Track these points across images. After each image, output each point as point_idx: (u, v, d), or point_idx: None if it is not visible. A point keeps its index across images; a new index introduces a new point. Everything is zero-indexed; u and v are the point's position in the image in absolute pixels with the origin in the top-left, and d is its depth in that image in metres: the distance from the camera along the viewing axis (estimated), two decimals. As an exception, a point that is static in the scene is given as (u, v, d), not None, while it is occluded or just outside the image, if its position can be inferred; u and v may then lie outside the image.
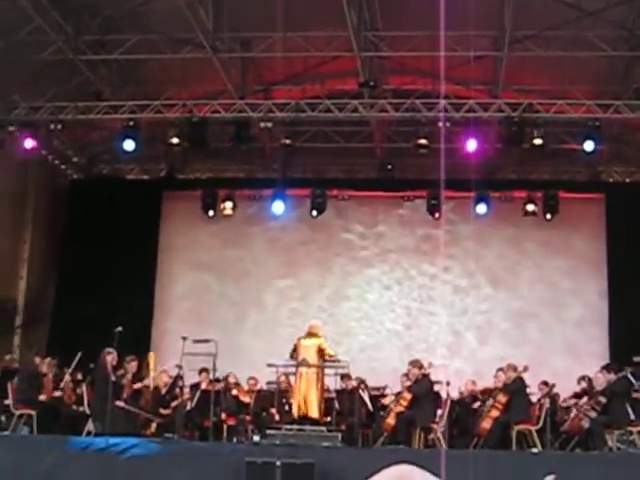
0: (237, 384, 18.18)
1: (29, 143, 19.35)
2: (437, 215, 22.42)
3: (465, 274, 22.96)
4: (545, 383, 17.19)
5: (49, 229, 22.90)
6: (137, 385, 16.60)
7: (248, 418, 17.56)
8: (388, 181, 22.74)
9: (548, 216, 22.59)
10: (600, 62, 18.26)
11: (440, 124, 18.61)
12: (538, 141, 19.31)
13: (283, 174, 23.33)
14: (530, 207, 22.62)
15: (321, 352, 16.13)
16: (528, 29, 17.37)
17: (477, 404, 17.34)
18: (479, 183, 22.16)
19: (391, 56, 18.86)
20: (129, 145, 19.58)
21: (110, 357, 15.82)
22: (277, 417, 16.85)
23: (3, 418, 17.07)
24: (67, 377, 17.45)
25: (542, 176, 23.04)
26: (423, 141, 19.38)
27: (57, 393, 17.12)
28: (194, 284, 23.62)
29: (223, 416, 17.19)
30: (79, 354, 17.06)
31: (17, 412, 16.36)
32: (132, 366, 16.63)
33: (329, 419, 16.46)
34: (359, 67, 18.51)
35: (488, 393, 17.09)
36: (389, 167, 22.43)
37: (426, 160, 19.79)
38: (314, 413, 15.89)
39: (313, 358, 16.09)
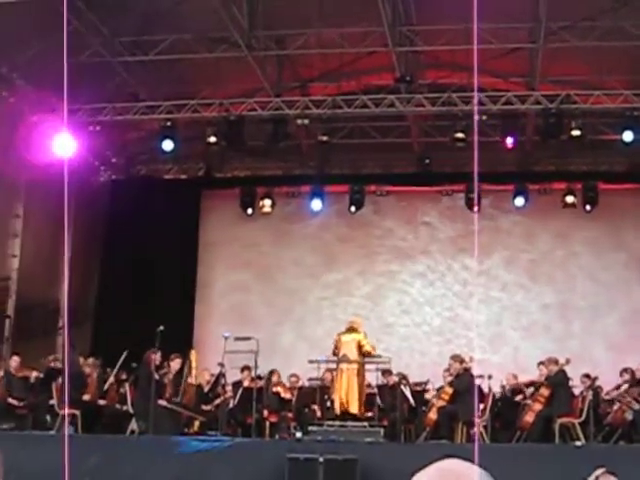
0: (279, 381, 18.23)
1: (66, 146, 19.47)
2: (476, 209, 22.30)
3: (505, 268, 22.85)
4: (587, 376, 17.12)
5: (89, 230, 23.03)
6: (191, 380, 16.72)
7: (290, 415, 17.62)
8: (426, 175, 22.71)
9: (588, 208, 22.42)
10: (637, 51, 18.09)
11: (476, 117, 18.57)
12: (576, 132, 19.22)
13: (321, 171, 23.36)
14: (569, 199, 22.47)
15: (361, 348, 16.16)
16: (564, 20, 17.26)
17: (519, 397, 17.32)
18: (517, 176, 22.15)
19: (426, 50, 18.82)
20: (168, 145, 19.71)
21: (155, 356, 15.93)
22: (319, 413, 16.97)
23: (48, 418, 17.21)
24: (112, 378, 17.59)
25: (581, 167, 22.85)
26: (460, 135, 19.31)
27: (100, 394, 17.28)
28: (234, 282, 23.70)
29: (265, 413, 17.27)
30: (124, 353, 17.19)
31: (62, 412, 16.49)
32: (175, 364, 16.72)
33: (371, 415, 16.52)
34: (395, 62, 18.49)
35: (532, 386, 17.04)
36: (427, 161, 22.42)
37: (464, 154, 19.71)
38: (355, 409, 15.94)
39: (354, 354, 16.14)
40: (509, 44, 17.93)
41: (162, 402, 15.82)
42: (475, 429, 16.18)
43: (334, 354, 16.46)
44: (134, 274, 22.24)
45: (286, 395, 17.92)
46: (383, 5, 16.26)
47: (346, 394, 16.02)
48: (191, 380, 17.14)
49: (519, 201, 22.44)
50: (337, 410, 16.18)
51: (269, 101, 19.59)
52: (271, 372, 17.99)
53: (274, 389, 17.83)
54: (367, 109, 19.46)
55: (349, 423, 15.51)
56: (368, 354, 16.36)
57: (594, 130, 20.68)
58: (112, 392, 17.67)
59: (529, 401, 16.67)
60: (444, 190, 23.16)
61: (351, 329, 16.50)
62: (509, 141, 19.48)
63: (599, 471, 8.85)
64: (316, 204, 23.14)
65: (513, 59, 18.78)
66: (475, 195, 21.81)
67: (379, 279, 23.37)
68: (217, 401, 17.33)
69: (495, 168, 20.20)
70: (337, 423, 15.44)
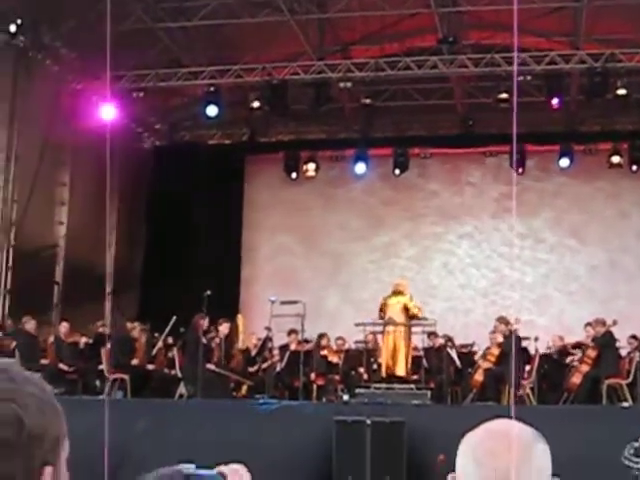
0: (328, 345, 18.30)
1: (110, 112, 19.57)
2: (521, 170, 22.17)
3: (552, 229, 22.75)
4: (634, 337, 17.00)
5: (134, 196, 23.17)
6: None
7: (337, 378, 17.67)
8: (470, 137, 22.57)
9: (634, 168, 22.21)
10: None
11: (519, 78, 18.41)
12: (622, 91, 19.05)
13: (364, 134, 23.31)
14: (615, 159, 22.27)
15: (407, 310, 16.17)
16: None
17: (568, 359, 17.23)
18: (562, 136, 21.96)
19: (469, 10, 18.67)
20: (212, 110, 19.75)
21: (203, 321, 16.04)
22: (365, 376, 16.91)
23: (98, 383, 17.42)
24: (160, 343, 17.75)
25: (627, 127, 22.62)
26: (504, 95, 19.21)
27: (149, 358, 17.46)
28: (280, 247, 23.80)
29: (312, 376, 17.32)
30: (173, 318, 17.31)
31: (111, 377, 16.67)
32: (223, 329, 16.82)
33: (417, 377, 16.49)
34: (437, 23, 18.39)
35: (578, 347, 16.98)
36: (470, 123, 22.30)
37: (507, 114, 19.54)
38: (402, 371, 15.97)
39: (400, 316, 16.15)
40: (552, 3, 17.74)
41: (210, 366, 15.94)
42: (522, 391, 16.19)
43: (380, 317, 16.45)
44: (180, 239, 22.36)
45: (334, 359, 17.99)
46: (425, -34, 16.16)
47: (392, 357, 16.04)
48: (239, 344, 17.25)
49: (564, 162, 22.26)
50: (384, 373, 16.21)
51: (311, 65, 19.56)
52: (320, 335, 18.12)
53: (322, 352, 17.90)
54: (410, 71, 19.38)
55: (396, 386, 15.51)
56: (415, 316, 16.35)
57: (640, 89, 20.49)
58: (160, 357, 17.83)
59: (576, 363, 16.59)
60: (488, 151, 23.01)
61: (397, 292, 16.49)
62: (554, 102, 19.31)
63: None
64: (360, 167, 23.12)
65: (556, 18, 18.59)
66: (514, 158, 21.61)
67: (425, 241, 23.37)
68: (264, 365, 17.42)
69: (540, 128, 20.04)
70: (384, 386, 15.45)
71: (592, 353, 16.10)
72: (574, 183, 22.67)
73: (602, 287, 22.11)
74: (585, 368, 16.03)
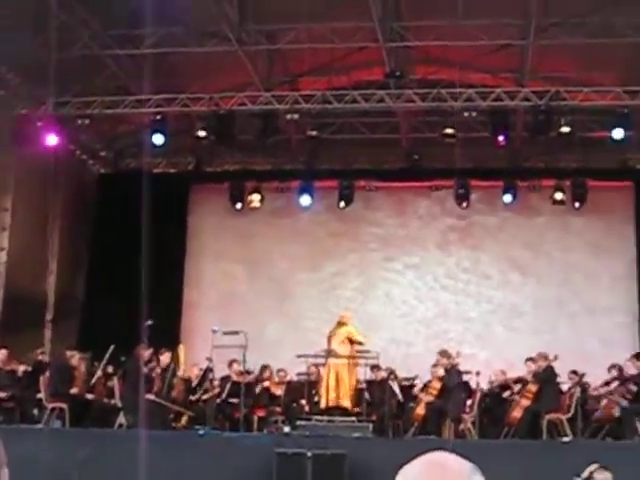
0: (270, 377, 18.28)
1: (55, 139, 19.45)
2: (465, 205, 22.38)
3: (494, 264, 22.89)
4: (575, 372, 17.16)
5: (77, 223, 23.02)
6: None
7: (278, 409, 17.68)
8: (415, 171, 22.69)
9: (577, 205, 22.45)
10: (626, 49, 18.12)
11: (465, 114, 18.61)
12: (565, 129, 19.27)
13: (310, 166, 23.34)
14: (558, 196, 22.44)
15: (351, 341, 16.19)
16: (554, 17, 17.29)
17: (507, 393, 17.33)
18: (506, 172, 22.18)
19: (417, 46, 18.82)
20: (158, 139, 19.66)
21: (144, 352, 15.97)
22: (307, 408, 16.98)
23: (36, 411, 17.22)
24: (99, 372, 17.59)
25: (570, 164, 22.88)
26: (450, 130, 19.34)
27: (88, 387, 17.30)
28: (222, 277, 23.67)
29: (254, 408, 17.33)
30: (111, 347, 17.21)
31: (49, 405, 16.49)
32: (164, 358, 16.79)
33: (359, 410, 16.55)
34: (385, 57, 18.50)
35: (520, 382, 17.08)
36: (416, 157, 22.39)
37: (453, 149, 19.75)
38: (347, 402, 15.97)
39: (342, 348, 16.20)
40: (499, 40, 17.96)
41: (150, 396, 15.86)
42: (463, 425, 16.26)
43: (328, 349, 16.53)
44: (122, 268, 22.17)
45: (276, 391, 17.99)
46: (373, 0, 16.28)
47: (336, 388, 16.05)
48: (180, 374, 17.16)
49: (507, 198, 22.40)
50: (324, 405, 16.22)
51: (259, 95, 19.58)
52: (263, 367, 18.14)
53: (265, 384, 17.89)
54: (357, 104, 19.46)
55: (337, 418, 15.57)
56: (360, 343, 16.39)
57: (583, 127, 20.74)
58: (100, 386, 17.67)
59: (517, 397, 16.70)
60: (433, 186, 23.13)
61: (340, 323, 16.55)
62: (500, 138, 19.50)
63: (593, 466, 8.87)
64: (305, 199, 23.09)
65: (503, 55, 18.81)
66: (467, 191, 21.77)
67: (368, 274, 23.38)
68: (205, 395, 17.34)
69: (484, 164, 20.20)
70: (325, 418, 15.49)
71: (533, 387, 16.27)
72: (518, 219, 22.84)
73: (545, 322, 22.24)
74: (526, 402, 16.18)
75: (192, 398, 17.21)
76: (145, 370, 15.87)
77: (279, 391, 17.97)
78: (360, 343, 16.55)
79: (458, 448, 2.22)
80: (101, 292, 22.25)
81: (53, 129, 19.41)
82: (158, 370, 16.62)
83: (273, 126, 19.67)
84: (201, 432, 14.88)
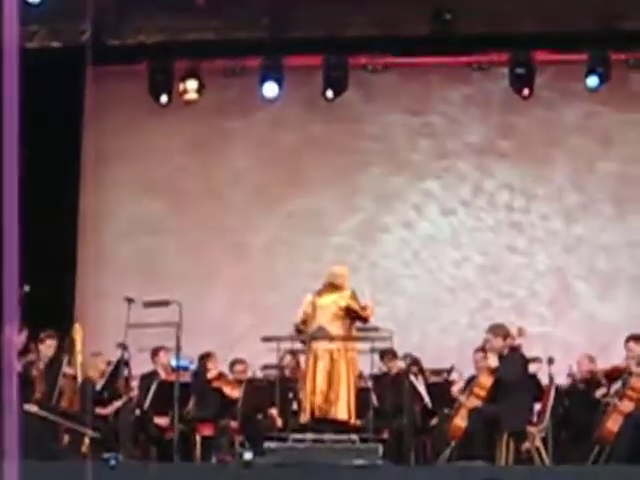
0: (218, 371, 18.27)
1: None
2: (526, 92, 22.19)
3: (573, 187, 22.79)
4: None
5: None
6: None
7: (234, 424, 17.71)
8: (446, 39, 22.43)
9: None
10: None
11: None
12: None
13: (277, 33, 23.01)
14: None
15: (350, 313, 16.05)
16: None
17: (599, 393, 17.22)
18: (593, 38, 21.93)
19: None
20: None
21: (13, 335, 15.74)
22: (280, 421, 17.06)
23: None
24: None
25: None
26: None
27: None
28: (140, 217, 23.53)
29: (195, 422, 17.41)
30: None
31: None
32: (47, 348, 16.71)
33: (363, 423, 16.51)
34: None
35: (619, 375, 16.98)
36: (447, 16, 22.09)
37: (508, 4, 19.57)
38: (343, 413, 15.93)
39: (336, 326, 16.03)
40: None
41: (30, 407, 15.80)
42: (529, 443, 16.19)
43: (298, 328, 16.49)
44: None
45: (231, 395, 17.95)
46: None
47: (325, 390, 15.97)
48: (73, 371, 17.02)
49: (592, 80, 22.23)
50: (308, 415, 16.16)
51: None
52: (203, 357, 18.14)
53: (212, 384, 17.89)
54: None
55: (328, 436, 15.48)
56: (362, 318, 16.28)
57: None
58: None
59: (614, 399, 16.61)
60: (475, 62, 22.95)
61: (331, 286, 16.39)
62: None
63: None
64: (270, 88, 22.84)
65: None
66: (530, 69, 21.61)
67: (372, 207, 23.27)
68: (117, 403, 17.24)
69: (557, 27, 20.03)
70: (309, 436, 15.43)
71: (639, 383, 16.18)
72: (611, 115, 22.74)
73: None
74: (628, 406, 16.15)
75: (100, 412, 17.11)
76: (19, 367, 15.68)
77: (235, 394, 17.91)
78: (363, 318, 16.41)
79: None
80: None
81: None
82: (41, 365, 16.56)
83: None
84: (112, 463, 14.75)
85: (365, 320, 16.33)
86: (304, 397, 16.32)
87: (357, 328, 16.55)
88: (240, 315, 22.14)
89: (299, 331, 16.39)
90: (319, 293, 16.41)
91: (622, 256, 22.41)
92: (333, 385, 16.00)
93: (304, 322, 16.34)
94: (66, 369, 16.84)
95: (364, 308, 16.24)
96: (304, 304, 16.44)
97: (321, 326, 16.08)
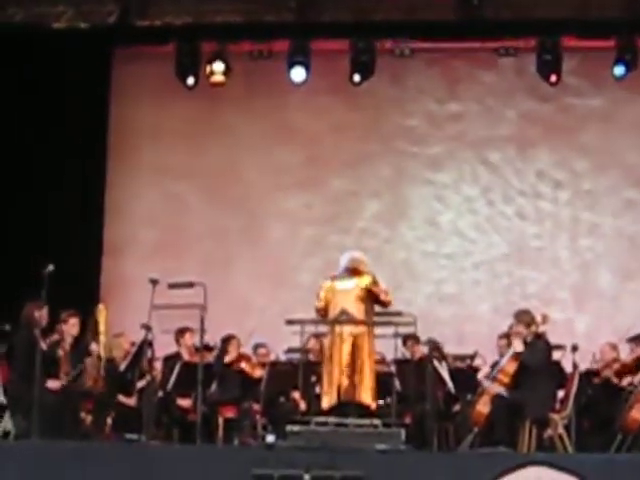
0: (241, 353, 18.30)
1: None
2: (553, 79, 22.14)
3: (598, 174, 22.79)
4: None
5: None
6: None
7: (257, 407, 17.70)
8: (474, 24, 22.40)
9: None
10: None
11: None
12: None
13: (303, 16, 23.01)
14: None
15: (371, 297, 16.09)
16: None
17: (625, 381, 17.29)
18: (621, 24, 21.88)
19: None
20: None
21: (39, 313, 15.84)
22: (302, 405, 17.01)
23: None
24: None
25: None
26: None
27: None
28: (165, 199, 23.61)
29: (218, 404, 17.45)
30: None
31: None
32: (71, 328, 16.71)
33: (385, 407, 16.60)
34: None
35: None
36: (475, 2, 22.08)
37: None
38: (367, 397, 15.97)
39: (358, 310, 16.07)
40: None
41: (53, 385, 15.82)
42: (552, 430, 16.21)
43: (321, 311, 16.50)
44: (9, 184, 22.02)
45: (254, 373, 17.98)
46: None
47: (348, 373, 16.01)
48: (97, 351, 17.10)
49: (619, 69, 22.19)
50: (332, 400, 16.19)
51: None
52: (226, 340, 18.14)
53: (233, 366, 17.92)
54: None
55: (350, 420, 15.49)
56: (384, 303, 16.33)
57: None
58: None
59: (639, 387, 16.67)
60: (503, 47, 22.94)
61: (351, 271, 16.42)
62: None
63: None
64: (298, 72, 22.86)
65: None
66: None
67: (394, 194, 23.36)
68: (140, 384, 17.31)
69: (586, 12, 20.03)
70: (332, 420, 15.42)
71: (665, 373, 16.28)
72: (633, 100, 22.72)
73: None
74: (653, 396, 16.18)
75: (123, 400, 17.21)
76: (43, 345, 15.75)
77: (257, 374, 17.97)
78: (384, 302, 16.48)
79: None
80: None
81: None
82: (66, 345, 16.57)
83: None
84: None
85: (386, 305, 16.38)
86: (329, 379, 16.35)
87: (378, 313, 16.58)
88: (261, 298, 22.23)
89: (321, 316, 16.41)
90: (336, 278, 16.44)
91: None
92: (357, 368, 16.05)
93: (324, 307, 16.38)
94: (93, 346, 16.90)
95: (386, 292, 16.29)
96: (323, 289, 16.46)
97: (343, 309, 16.12)
